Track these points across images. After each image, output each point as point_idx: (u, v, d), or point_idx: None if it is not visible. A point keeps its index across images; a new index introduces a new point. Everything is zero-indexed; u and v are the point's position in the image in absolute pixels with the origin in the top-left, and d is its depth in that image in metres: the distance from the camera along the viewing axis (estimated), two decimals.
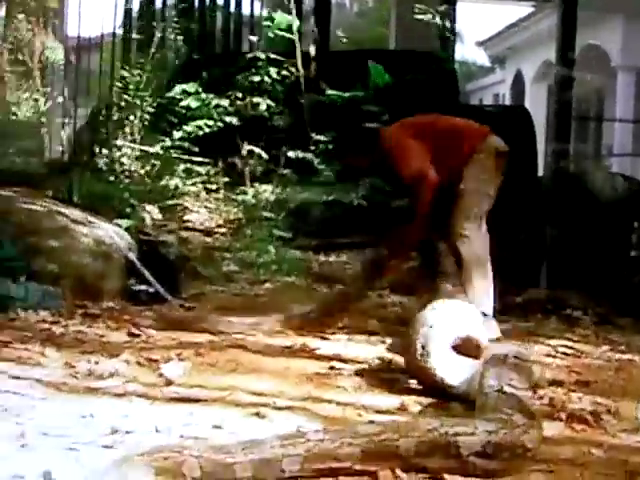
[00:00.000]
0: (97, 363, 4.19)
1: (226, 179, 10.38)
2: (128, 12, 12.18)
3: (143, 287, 6.37)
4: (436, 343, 3.73)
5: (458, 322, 3.87)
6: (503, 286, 7.40)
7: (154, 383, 3.90)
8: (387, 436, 2.63)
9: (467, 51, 27.16)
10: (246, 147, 10.39)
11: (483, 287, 5.00)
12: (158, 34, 10.69)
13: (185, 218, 9.91)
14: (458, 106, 11.07)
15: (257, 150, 10.39)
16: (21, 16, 11.17)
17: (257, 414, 3.36)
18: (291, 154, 10.28)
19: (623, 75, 19.30)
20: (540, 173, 11.15)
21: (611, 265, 8.00)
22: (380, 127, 5.83)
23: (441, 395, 3.69)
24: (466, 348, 3.78)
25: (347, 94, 10.52)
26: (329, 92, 10.73)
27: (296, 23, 10.66)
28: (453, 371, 3.67)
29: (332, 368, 4.23)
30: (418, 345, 3.74)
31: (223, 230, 9.82)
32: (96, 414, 3.35)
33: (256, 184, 10.38)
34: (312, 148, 10.29)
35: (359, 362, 4.43)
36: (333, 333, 5.31)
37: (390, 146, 5.09)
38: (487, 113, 13.85)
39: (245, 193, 10.30)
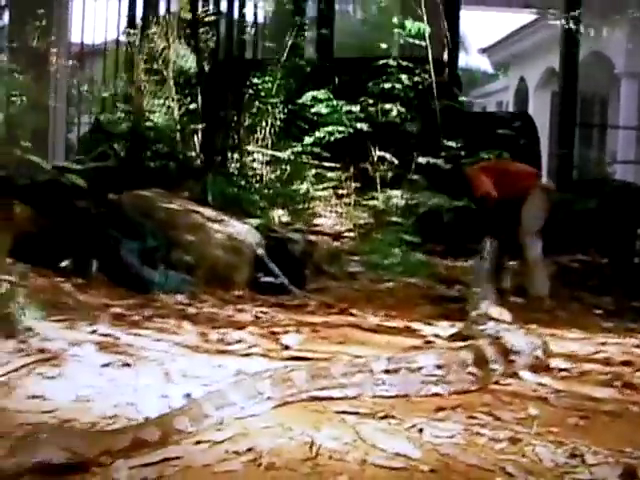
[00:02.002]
0: (226, 334, 5.35)
1: (356, 184, 11.31)
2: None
3: (269, 279, 7.53)
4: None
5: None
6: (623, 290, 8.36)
7: (273, 349, 5.02)
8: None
9: (470, 58, 27.81)
10: (377, 153, 11.30)
11: (540, 276, 7.88)
12: (289, 41, 11.79)
13: (314, 222, 10.92)
14: (463, 114, 11.78)
15: (388, 156, 11.26)
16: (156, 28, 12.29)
17: None
18: (422, 160, 11.15)
19: (627, 82, 19.81)
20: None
21: None
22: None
23: None
24: None
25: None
26: (461, 98, 11.59)
27: (427, 30, 11.51)
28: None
29: (428, 342, 5.26)
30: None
31: (352, 234, 10.77)
32: (224, 365, 4.50)
33: (386, 189, 11.29)
34: (443, 154, 11.18)
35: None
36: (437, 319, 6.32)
37: (469, 177, 8.03)
38: (491, 120, 14.42)
39: (375, 198, 11.20)
